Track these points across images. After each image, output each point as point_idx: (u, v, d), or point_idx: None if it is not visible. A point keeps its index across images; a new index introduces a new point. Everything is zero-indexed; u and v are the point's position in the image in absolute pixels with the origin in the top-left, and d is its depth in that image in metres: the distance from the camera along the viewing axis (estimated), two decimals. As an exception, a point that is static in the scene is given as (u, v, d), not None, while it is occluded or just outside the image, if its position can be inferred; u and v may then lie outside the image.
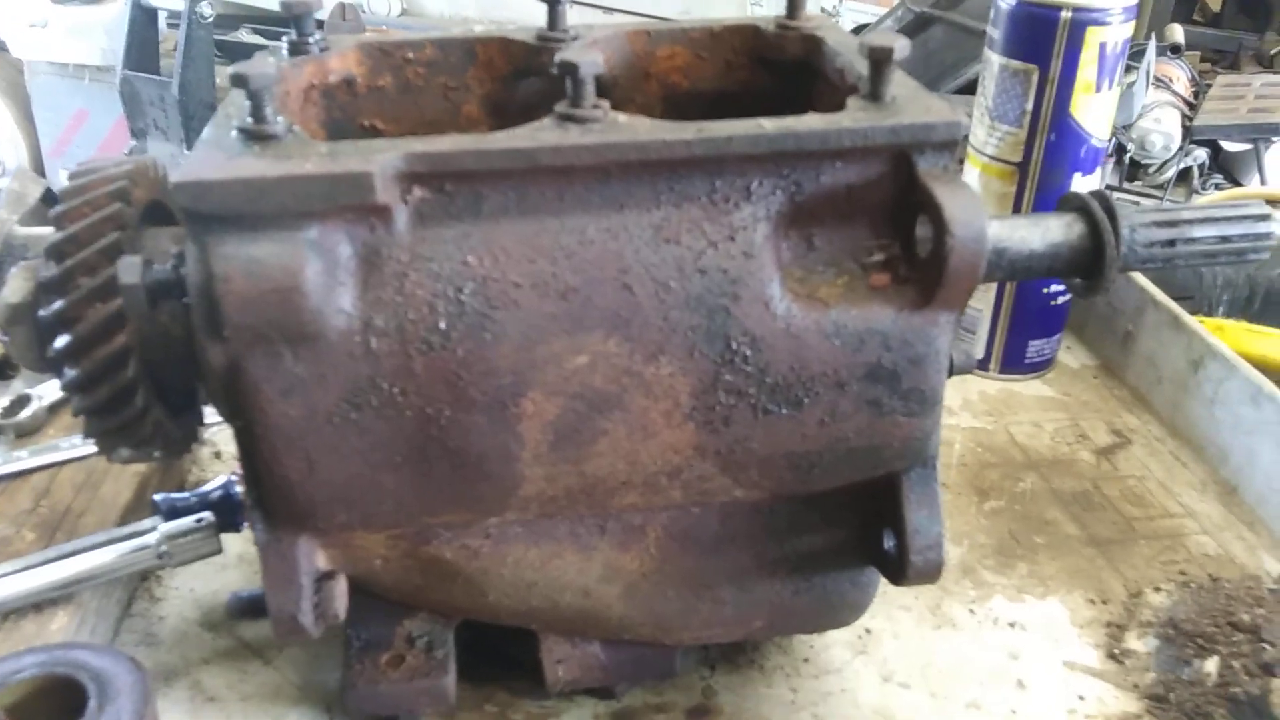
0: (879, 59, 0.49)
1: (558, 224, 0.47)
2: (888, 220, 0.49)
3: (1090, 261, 0.57)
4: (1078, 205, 0.58)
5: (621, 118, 0.48)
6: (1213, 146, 2.31)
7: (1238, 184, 2.35)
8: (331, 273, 0.45)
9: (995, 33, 0.86)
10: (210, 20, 2.38)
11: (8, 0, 2.68)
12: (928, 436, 0.52)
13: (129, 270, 0.46)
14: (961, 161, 0.91)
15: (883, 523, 0.56)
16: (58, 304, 0.50)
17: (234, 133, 0.46)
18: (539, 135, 0.46)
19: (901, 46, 0.49)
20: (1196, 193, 2.31)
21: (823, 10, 2.32)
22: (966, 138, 0.91)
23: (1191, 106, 2.36)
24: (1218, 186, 2.31)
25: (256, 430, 0.47)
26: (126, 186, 0.52)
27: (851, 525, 0.57)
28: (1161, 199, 2.23)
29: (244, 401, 0.46)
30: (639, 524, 0.55)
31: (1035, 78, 0.84)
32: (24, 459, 0.75)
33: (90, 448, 0.75)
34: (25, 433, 0.78)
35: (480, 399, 0.47)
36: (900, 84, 0.50)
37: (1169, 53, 2.46)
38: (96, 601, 0.66)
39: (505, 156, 0.45)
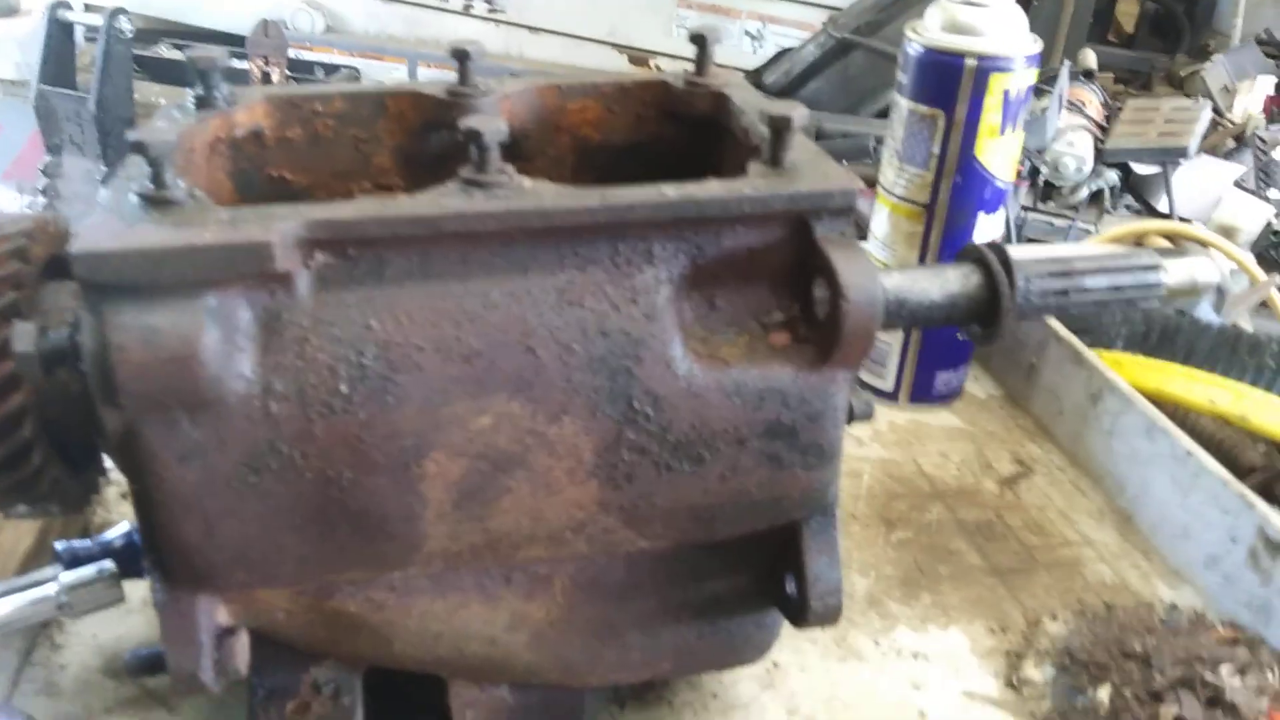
0: (779, 127, 0.50)
1: (461, 288, 0.47)
2: (787, 281, 0.51)
3: (987, 311, 0.59)
4: (975, 257, 0.60)
5: (526, 182, 0.49)
6: (1124, 169, 2.38)
7: (1148, 205, 2.43)
8: (230, 339, 0.45)
9: (904, 78, 0.88)
10: (129, 35, 2.33)
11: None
12: (826, 487, 0.53)
13: (23, 338, 0.45)
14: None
15: (784, 567, 0.57)
16: (-48, 363, 0.49)
17: (133, 198, 0.46)
18: (443, 201, 0.47)
19: (800, 115, 0.50)
20: (1108, 213, 2.38)
21: (747, 34, 2.35)
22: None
23: (1103, 130, 2.44)
24: (1128, 208, 2.39)
25: (154, 495, 0.46)
26: (25, 245, 0.52)
27: (754, 570, 0.58)
28: (1074, 220, 2.30)
29: (141, 466, 0.46)
30: (545, 574, 0.56)
31: (941, 122, 0.86)
32: (-78, 506, 0.73)
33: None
34: (-76, 478, 0.76)
35: (382, 461, 0.47)
36: (800, 149, 0.52)
37: (1082, 77, 2.54)
38: (-4, 653, 0.64)
39: (409, 224, 0.46)
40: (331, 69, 2.54)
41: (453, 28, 2.41)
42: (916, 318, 0.59)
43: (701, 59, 0.63)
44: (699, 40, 0.63)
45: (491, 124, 0.48)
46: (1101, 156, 2.36)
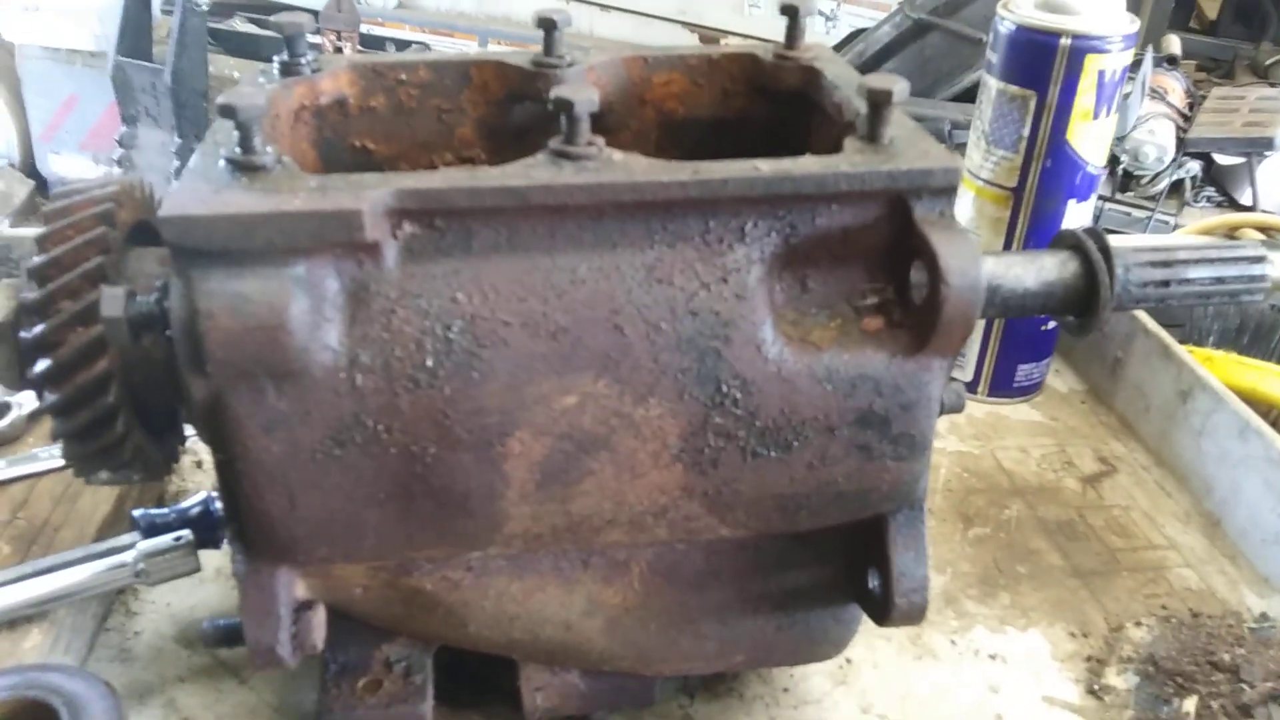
0: (878, 101, 0.48)
1: (549, 262, 0.46)
2: (882, 264, 0.49)
3: (1084, 300, 0.56)
4: (1072, 243, 0.58)
5: (616, 155, 0.47)
6: (1206, 159, 2.31)
7: (1230, 197, 2.35)
8: (318, 309, 0.44)
9: (994, 57, 0.85)
10: (205, 9, 2.36)
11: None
12: (916, 480, 0.52)
13: (111, 303, 0.45)
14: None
15: (868, 562, 0.55)
16: (39, 328, 0.49)
17: (222, 163, 0.45)
18: (532, 173, 0.46)
19: (901, 90, 0.48)
20: (1189, 205, 2.31)
21: (820, 14, 2.31)
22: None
23: (1186, 119, 2.36)
24: (1210, 199, 2.31)
25: (238, 465, 0.46)
26: (112, 209, 0.52)
27: (837, 563, 0.57)
28: (1154, 210, 2.23)
29: (226, 436, 0.45)
30: (623, 559, 0.55)
31: (1032, 104, 0.83)
32: (1, 469, 0.74)
33: (71, 458, 0.74)
34: (3, 441, 0.77)
35: (466, 438, 0.46)
36: (898, 125, 0.50)
37: (1165, 64, 2.46)
38: (72, 617, 0.65)
39: (497, 194, 0.45)
40: (403, 44, 2.55)
41: (522, 5, 2.40)
42: (1010, 306, 0.56)
43: (793, 31, 0.61)
44: (790, 11, 0.61)
45: (583, 94, 0.47)
46: (1183, 146, 2.28)
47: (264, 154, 0.46)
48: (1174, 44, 2.58)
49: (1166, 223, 2.21)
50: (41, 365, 0.49)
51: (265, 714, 0.63)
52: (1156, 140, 2.25)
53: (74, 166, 2.63)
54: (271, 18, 0.58)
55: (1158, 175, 2.28)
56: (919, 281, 0.48)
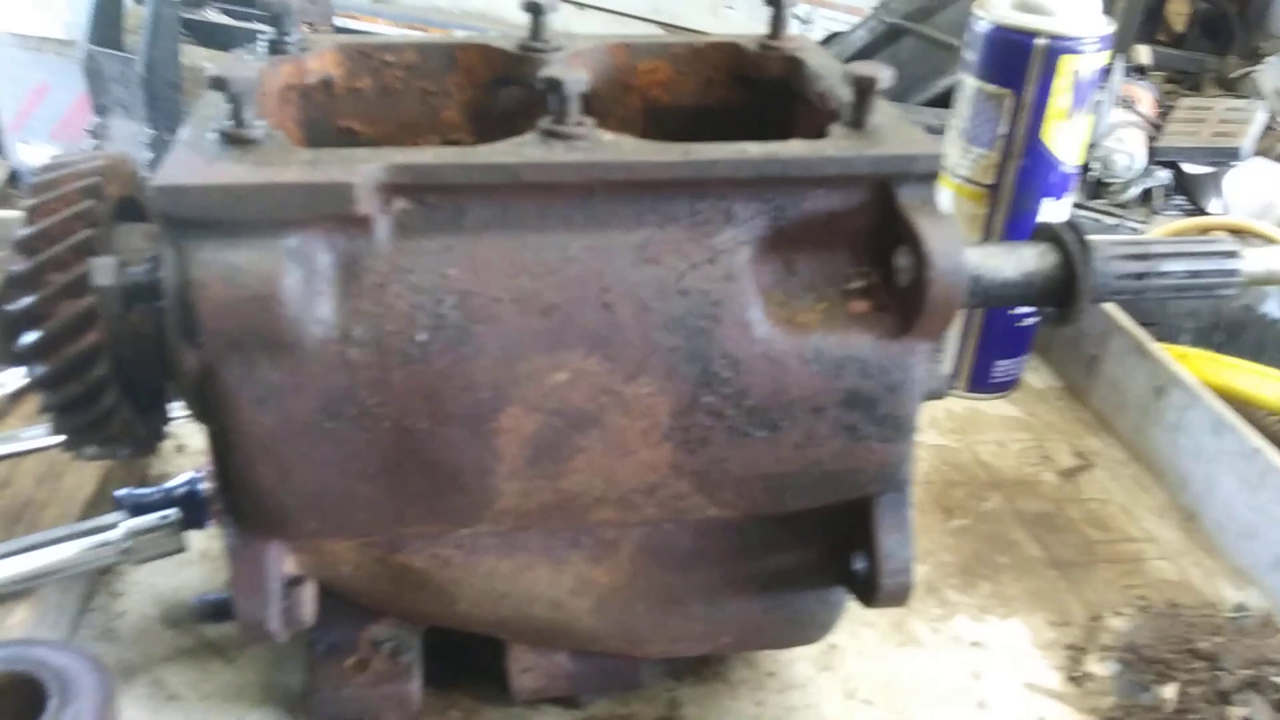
0: (864, 88, 0.49)
1: (540, 240, 0.47)
2: (868, 248, 0.50)
3: (1062, 291, 0.57)
4: (1051, 235, 0.59)
5: (606, 136, 0.48)
6: (1175, 168, 2.34)
7: (1198, 207, 2.39)
8: (310, 281, 0.44)
9: (971, 55, 0.87)
10: (179, -2, 2.34)
11: (-30, -31, 2.62)
12: (901, 462, 0.52)
13: (104, 272, 0.45)
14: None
15: (854, 544, 0.56)
16: (27, 300, 0.49)
17: (212, 135, 0.46)
18: (523, 151, 0.46)
19: (886, 76, 0.49)
20: (1157, 214, 2.34)
21: (795, 17, 2.33)
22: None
23: (1156, 128, 2.39)
24: (1179, 208, 2.35)
25: (230, 437, 0.46)
26: (99, 182, 0.51)
27: (822, 545, 0.57)
28: (1123, 218, 2.26)
29: (217, 408, 0.46)
30: (612, 538, 0.55)
31: (1008, 102, 0.85)
32: (-17, 449, 0.73)
33: (53, 439, 0.74)
34: (-16, 422, 0.77)
35: (458, 413, 0.47)
36: (882, 112, 0.51)
37: (1135, 73, 2.50)
38: (57, 596, 0.65)
39: (489, 171, 0.45)
40: (377, 40, 2.54)
41: (498, 2, 2.40)
42: (990, 296, 0.57)
43: (777, 21, 0.62)
44: (775, 1, 0.62)
45: (572, 74, 0.47)
46: (1153, 155, 2.32)
47: (255, 127, 0.46)
48: (1144, 54, 2.62)
49: (1136, 230, 2.24)
50: (29, 338, 0.49)
51: (252, 693, 0.63)
52: (1126, 148, 2.29)
53: (45, 155, 2.61)
54: (259, -3, 0.58)
55: (1128, 183, 2.32)
56: (903, 265, 0.49)
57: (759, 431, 0.49)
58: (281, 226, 0.43)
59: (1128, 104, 2.35)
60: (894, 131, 0.49)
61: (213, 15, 2.64)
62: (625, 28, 2.30)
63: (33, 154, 2.63)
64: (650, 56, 0.63)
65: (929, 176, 0.48)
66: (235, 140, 0.45)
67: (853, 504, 0.54)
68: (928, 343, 0.49)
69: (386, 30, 2.42)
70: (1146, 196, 2.34)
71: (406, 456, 0.47)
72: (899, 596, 0.55)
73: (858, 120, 0.50)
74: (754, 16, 2.36)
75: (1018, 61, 0.83)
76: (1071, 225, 0.59)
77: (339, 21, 2.49)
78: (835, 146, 0.48)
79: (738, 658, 0.68)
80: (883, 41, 2.10)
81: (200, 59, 2.49)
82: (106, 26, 2.40)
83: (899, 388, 0.50)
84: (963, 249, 0.47)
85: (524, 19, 0.60)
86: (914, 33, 2.10)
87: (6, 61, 2.68)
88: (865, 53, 2.16)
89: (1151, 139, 2.34)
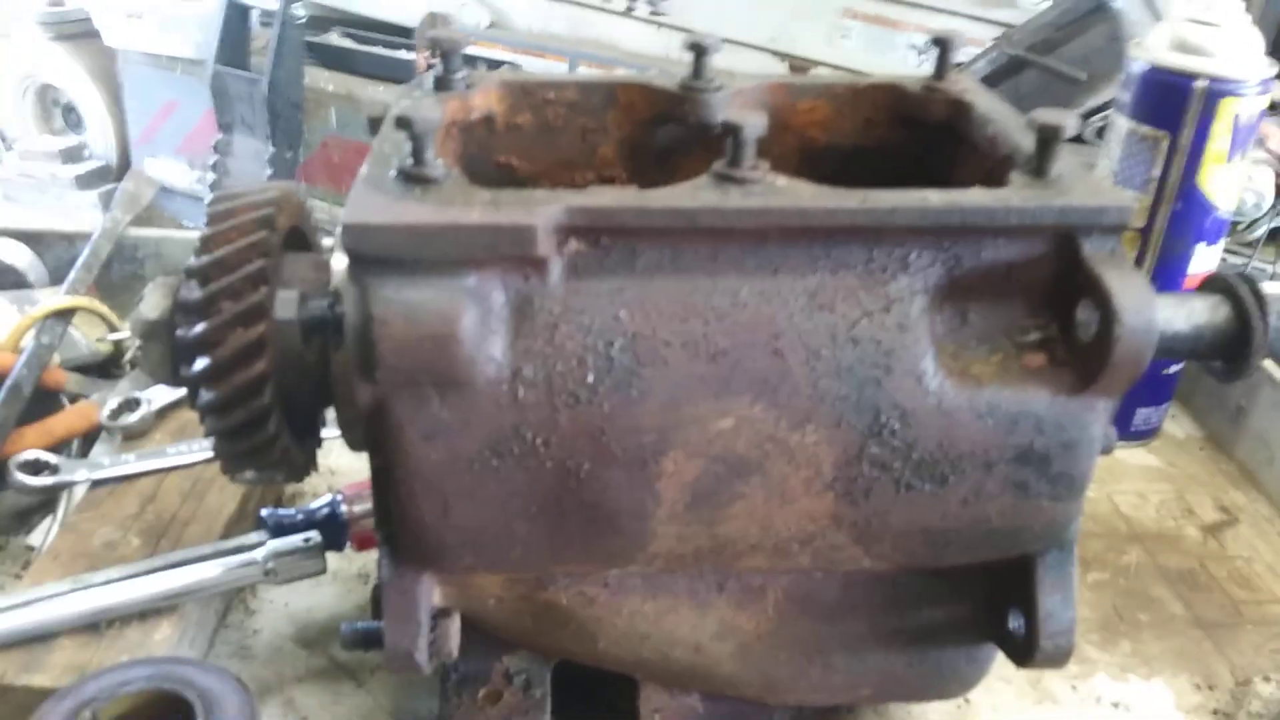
0: (1048, 136, 0.47)
1: (711, 284, 0.46)
2: (1045, 300, 0.48)
3: (1233, 345, 0.55)
4: (1223, 287, 0.56)
5: (780, 180, 0.47)
6: (1305, 207, 2.25)
7: (1329, 247, 2.29)
8: (485, 321, 0.44)
9: (1125, 96, 0.84)
10: (303, 21, 2.41)
11: (106, -10, 2.73)
12: (1070, 521, 0.51)
13: (286, 306, 0.46)
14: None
15: (1010, 601, 0.54)
16: (200, 327, 0.50)
17: (394, 174, 0.46)
18: (699, 195, 0.46)
19: (1072, 125, 0.47)
20: (1286, 254, 2.25)
21: (913, 48, 2.30)
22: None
23: (1285, 165, 2.30)
24: (1308, 249, 2.25)
25: (396, 471, 0.46)
26: (272, 214, 0.53)
27: (976, 601, 0.56)
28: (1251, 258, 2.18)
29: (386, 442, 0.46)
30: (759, 585, 0.54)
31: (1165, 145, 0.82)
32: (131, 463, 0.75)
33: (197, 455, 0.76)
34: (133, 435, 0.79)
35: (622, 455, 0.46)
36: (1065, 161, 0.49)
37: (1265, 110, 2.40)
38: (198, 612, 0.66)
39: (665, 215, 0.45)
40: (495, 64, 2.58)
41: (615, 29, 2.42)
42: (1159, 349, 0.55)
43: (942, 63, 0.61)
44: (941, 43, 0.61)
45: (750, 118, 0.47)
46: (1282, 193, 2.23)
47: (435, 166, 0.46)
48: (1274, 90, 2.52)
49: (1264, 270, 2.16)
50: (199, 364, 0.50)
51: (381, 718, 0.64)
52: (1255, 187, 2.20)
53: (170, 171, 2.70)
54: (429, 33, 0.59)
55: (1255, 222, 2.23)
56: (1086, 319, 0.47)
57: (925, 485, 0.48)
58: (462, 266, 0.43)
59: (1257, 141, 2.27)
60: (1079, 181, 0.48)
61: (336, 39, 2.72)
62: (740, 56, 2.29)
63: (159, 168, 2.73)
64: (810, 96, 0.62)
65: (1117, 228, 0.47)
66: (416, 179, 0.46)
67: (1012, 560, 0.52)
68: (1109, 400, 0.48)
69: (503, 56, 2.45)
70: (1275, 235, 2.24)
71: (567, 496, 0.47)
72: (1058, 659, 0.53)
73: (1040, 168, 0.48)
74: (870, 46, 2.34)
75: (1175, 103, 0.81)
76: (1245, 278, 0.56)
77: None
78: (1019, 196, 0.47)
79: (869, 707, 0.66)
80: (1004, 73, 2.05)
81: (323, 80, 2.56)
82: (233, 47, 2.48)
83: (1075, 445, 0.48)
84: (1154, 306, 0.45)
85: (637, 44, 0.60)
86: (1036, 64, 2.05)
87: (137, 79, 2.80)
88: (986, 85, 2.10)
89: (1280, 176, 2.25)
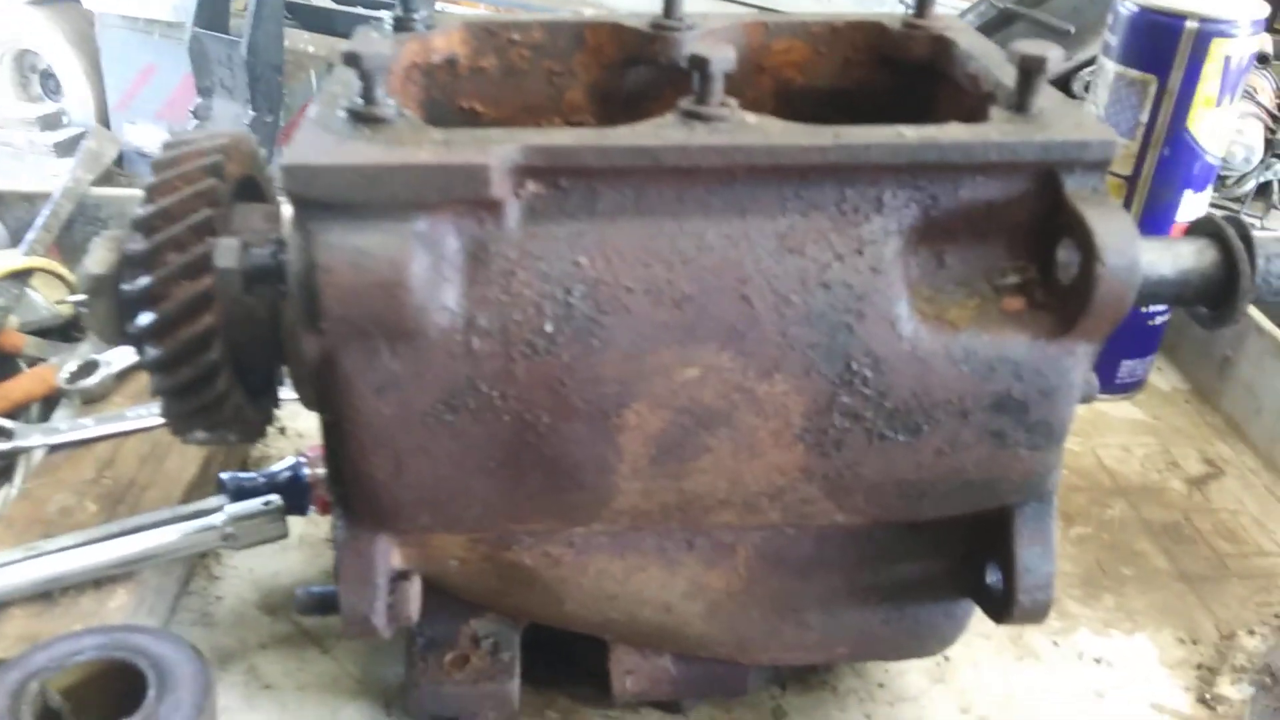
0: (1030, 68, 0.45)
1: (675, 227, 0.44)
2: (1025, 241, 0.46)
3: (1221, 291, 0.53)
4: (1211, 230, 0.54)
5: (750, 118, 0.45)
6: (1294, 162, 2.23)
7: (1319, 201, 2.27)
8: (437, 268, 0.42)
9: (1112, 39, 0.82)
10: (282, -19, 2.36)
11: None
12: (1049, 471, 0.49)
13: (226, 254, 0.43)
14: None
15: (988, 555, 0.53)
16: (145, 280, 0.47)
17: (342, 114, 0.44)
18: (663, 133, 0.44)
19: (1056, 56, 0.45)
20: (1275, 208, 2.24)
21: (901, 2, 2.26)
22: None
23: (1275, 119, 2.28)
24: (1298, 203, 2.24)
25: (346, 426, 0.44)
26: (220, 161, 0.50)
27: (952, 555, 0.54)
28: (1239, 211, 2.16)
29: (335, 396, 0.44)
30: (729, 542, 0.53)
31: (1153, 89, 0.79)
32: (89, 426, 0.73)
33: (157, 419, 0.74)
34: (92, 399, 0.77)
35: (582, 407, 0.44)
36: (1047, 96, 0.47)
37: (1256, 62, 2.38)
38: (156, 579, 0.64)
39: (628, 154, 0.43)
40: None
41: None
42: (1143, 294, 0.53)
43: (924, 1, 0.58)
44: (922, -20, 0.58)
45: (719, 51, 0.45)
46: (1271, 147, 2.21)
47: (386, 105, 0.44)
48: (1266, 42, 2.49)
49: (1253, 225, 2.14)
50: (144, 319, 0.48)
51: (348, 685, 0.62)
52: (1244, 140, 2.18)
53: (149, 136, 2.66)
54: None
55: (1244, 176, 2.21)
56: (1067, 260, 0.45)
57: (898, 435, 0.46)
58: (412, 209, 0.41)
59: (1247, 94, 2.24)
60: (1062, 116, 0.46)
61: (316, 0, 2.67)
62: (721, 9, 2.26)
63: (138, 134, 2.68)
64: (786, 35, 0.60)
65: (1101, 165, 0.44)
66: (366, 119, 0.43)
67: (990, 513, 0.51)
68: (1090, 345, 0.46)
69: (485, 15, 2.41)
70: (1264, 190, 2.23)
71: (526, 451, 0.45)
72: (1037, 614, 0.51)
73: (1022, 103, 0.46)
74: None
75: (1164, 45, 0.78)
76: (1234, 220, 0.54)
77: (440, 6, 2.48)
78: (999, 131, 0.44)
79: (846, 666, 0.65)
80: (993, 26, 2.02)
81: (303, 42, 2.51)
82: (212, 10, 2.43)
83: (1054, 392, 0.46)
84: (1137, 245, 0.43)
85: (623, 3, 0.58)
86: (1025, 17, 2.02)
87: (115, 43, 2.75)
88: (971, 38, 2.08)
89: (1270, 131, 2.23)
